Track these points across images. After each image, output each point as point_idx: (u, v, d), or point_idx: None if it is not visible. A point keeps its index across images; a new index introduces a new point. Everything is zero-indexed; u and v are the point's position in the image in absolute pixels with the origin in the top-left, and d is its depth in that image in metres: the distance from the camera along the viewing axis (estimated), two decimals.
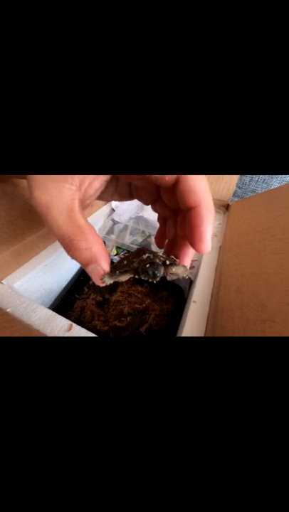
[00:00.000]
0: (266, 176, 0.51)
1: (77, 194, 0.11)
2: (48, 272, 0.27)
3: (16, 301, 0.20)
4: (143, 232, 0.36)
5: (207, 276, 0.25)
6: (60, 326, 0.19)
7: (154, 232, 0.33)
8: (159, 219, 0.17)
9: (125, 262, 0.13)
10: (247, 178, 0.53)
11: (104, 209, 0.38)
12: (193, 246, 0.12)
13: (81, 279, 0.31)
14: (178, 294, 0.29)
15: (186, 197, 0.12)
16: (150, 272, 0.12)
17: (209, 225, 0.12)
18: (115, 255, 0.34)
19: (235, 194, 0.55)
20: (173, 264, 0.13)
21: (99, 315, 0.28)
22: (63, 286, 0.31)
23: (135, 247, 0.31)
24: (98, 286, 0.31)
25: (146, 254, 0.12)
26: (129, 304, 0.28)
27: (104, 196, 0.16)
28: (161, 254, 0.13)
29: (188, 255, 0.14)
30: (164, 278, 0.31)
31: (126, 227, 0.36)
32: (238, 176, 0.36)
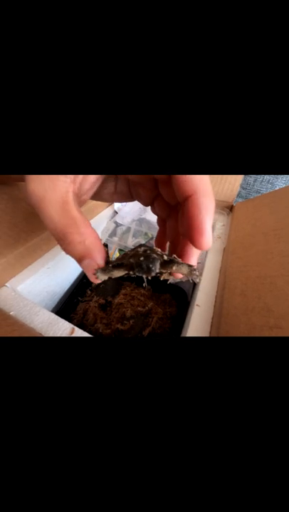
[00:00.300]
0: (271, 177, 0.50)
1: (72, 187, 0.10)
2: (51, 275, 0.27)
3: (19, 303, 0.20)
4: (146, 234, 0.36)
5: (211, 279, 0.25)
6: (63, 330, 0.19)
7: None
8: (159, 221, 0.17)
9: (120, 257, 0.12)
10: (251, 178, 0.52)
11: (107, 211, 0.38)
12: (192, 241, 0.11)
13: (84, 281, 0.31)
14: (181, 296, 0.29)
15: (181, 184, 0.11)
16: (144, 266, 0.10)
17: (208, 214, 0.10)
18: None
19: (239, 195, 0.54)
20: (174, 261, 0.11)
21: (101, 318, 0.28)
22: (66, 288, 0.31)
23: None
24: (101, 289, 0.31)
25: (143, 248, 0.11)
26: (132, 307, 0.28)
27: (105, 197, 0.16)
28: (161, 251, 0.12)
29: (192, 254, 0.13)
30: (166, 281, 0.31)
31: (129, 229, 0.36)
32: (242, 176, 0.36)
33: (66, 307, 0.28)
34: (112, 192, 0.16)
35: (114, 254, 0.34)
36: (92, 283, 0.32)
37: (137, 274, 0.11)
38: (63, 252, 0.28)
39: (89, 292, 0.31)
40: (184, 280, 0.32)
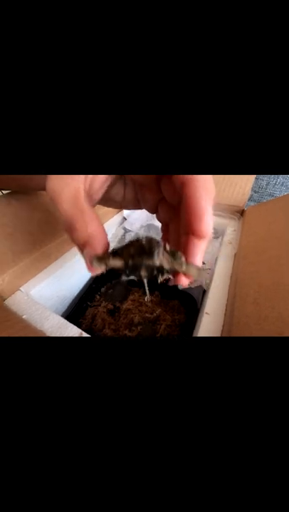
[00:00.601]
0: (285, 179, 0.48)
1: (82, 185, 0.11)
2: (62, 280, 0.28)
3: (31, 307, 0.21)
4: None
5: (221, 286, 0.24)
6: (71, 335, 0.19)
7: None
8: (163, 227, 0.17)
9: (119, 247, 0.12)
10: (264, 181, 0.51)
11: (116, 218, 0.39)
12: (191, 228, 0.10)
13: (93, 286, 0.32)
14: (190, 303, 0.28)
15: None
16: (146, 248, 0.10)
17: (206, 195, 0.10)
18: None
19: (251, 198, 0.53)
20: (180, 258, 0.11)
21: (110, 323, 0.28)
22: (76, 293, 0.31)
23: None
24: (109, 294, 0.31)
25: (142, 237, 0.11)
26: (140, 313, 0.28)
27: (115, 201, 0.16)
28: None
29: (194, 246, 0.11)
30: (175, 287, 0.31)
31: (137, 235, 0.37)
32: (253, 179, 0.35)
33: (75, 312, 0.29)
34: (120, 198, 0.16)
35: None
36: (101, 288, 0.32)
37: (137, 261, 0.10)
38: (74, 258, 0.29)
39: (98, 297, 0.31)
40: (193, 286, 0.31)
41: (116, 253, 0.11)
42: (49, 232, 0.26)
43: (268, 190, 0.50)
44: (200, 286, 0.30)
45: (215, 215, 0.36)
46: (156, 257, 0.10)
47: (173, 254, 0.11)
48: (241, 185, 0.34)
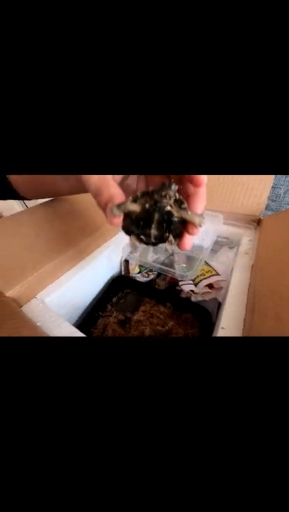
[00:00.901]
0: None
1: None
2: (76, 289, 0.28)
3: (45, 315, 0.21)
4: (166, 250, 0.36)
5: (238, 299, 0.22)
6: None
7: (177, 249, 0.33)
8: None
9: (141, 192, 0.14)
10: (281, 190, 0.49)
11: None
12: (189, 176, 0.12)
13: (105, 296, 0.32)
14: (204, 317, 0.27)
15: None
16: (166, 183, 0.12)
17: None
18: (138, 273, 0.34)
19: (268, 207, 0.51)
20: (185, 207, 0.13)
21: (120, 334, 0.27)
22: (88, 302, 0.32)
23: (158, 265, 0.31)
24: (121, 304, 0.31)
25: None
26: (151, 326, 0.27)
27: (128, 195, 0.18)
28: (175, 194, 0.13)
29: (194, 196, 0.14)
30: (188, 299, 0.29)
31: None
32: (270, 188, 0.34)
33: (87, 321, 0.29)
34: (134, 189, 0.18)
35: (135, 270, 0.35)
36: (112, 298, 0.32)
37: (155, 196, 0.12)
38: (87, 267, 0.29)
39: (109, 307, 0.31)
40: (206, 299, 0.30)
41: (135, 200, 0.13)
42: (65, 243, 0.27)
43: (286, 198, 0.48)
44: (215, 299, 0.28)
45: (229, 224, 0.35)
46: (172, 192, 0.12)
47: (180, 203, 0.13)
48: (257, 194, 0.33)
